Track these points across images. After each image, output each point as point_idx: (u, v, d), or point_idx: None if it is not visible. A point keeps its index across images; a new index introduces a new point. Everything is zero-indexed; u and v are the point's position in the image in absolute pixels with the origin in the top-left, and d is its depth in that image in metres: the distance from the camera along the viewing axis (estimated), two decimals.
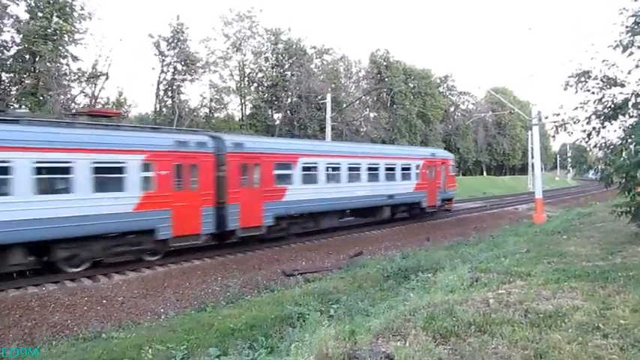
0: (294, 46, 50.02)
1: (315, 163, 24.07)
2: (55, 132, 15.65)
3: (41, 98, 31.08)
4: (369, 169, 27.33)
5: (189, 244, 18.97)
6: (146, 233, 17.63)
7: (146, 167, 17.38)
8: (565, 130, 16.08)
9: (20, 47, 31.66)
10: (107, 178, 16.36)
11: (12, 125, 14.89)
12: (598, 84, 14.95)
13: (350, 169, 26.02)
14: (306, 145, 26.89)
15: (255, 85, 50.16)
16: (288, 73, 49.95)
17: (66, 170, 15.39)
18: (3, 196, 14.20)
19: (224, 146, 20.29)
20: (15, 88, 32.59)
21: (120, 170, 16.65)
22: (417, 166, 31.01)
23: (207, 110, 46.07)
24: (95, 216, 15.89)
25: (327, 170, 24.77)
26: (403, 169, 29.87)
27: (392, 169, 29.00)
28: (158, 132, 20.32)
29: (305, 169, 23.46)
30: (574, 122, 15.68)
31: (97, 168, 15.93)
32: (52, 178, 15.52)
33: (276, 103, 50.05)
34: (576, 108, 15.48)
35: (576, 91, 15.27)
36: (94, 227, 16.02)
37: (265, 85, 49.88)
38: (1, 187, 14.25)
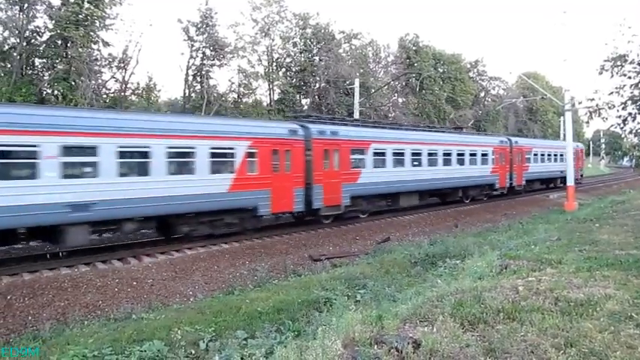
0: (322, 31, 49.68)
1: (537, 152, 43.48)
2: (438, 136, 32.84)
3: (73, 83, 31.52)
4: (554, 155, 46.59)
5: (499, 192, 37.38)
6: (490, 185, 36.19)
7: (492, 153, 35.91)
8: (599, 115, 15.64)
9: (52, 33, 32.08)
10: (483, 159, 34.81)
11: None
12: (635, 68, 14.47)
13: (548, 155, 45.79)
14: (533, 142, 47.20)
15: (284, 70, 50.11)
16: (317, 58, 49.68)
17: (463, 154, 33.00)
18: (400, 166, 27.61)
19: (512, 142, 39.28)
20: (48, 74, 33.10)
21: (486, 155, 35.19)
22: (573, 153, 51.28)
23: (235, 95, 46.20)
24: (474, 176, 33.74)
25: (542, 155, 44.43)
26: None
27: (562, 155, 44.93)
28: (492, 136, 43.64)
29: (534, 154, 42.68)
30: (609, 108, 15.23)
31: (482, 154, 34.82)
32: (450, 159, 31.60)
33: (304, 88, 49.94)
34: (611, 93, 15.02)
35: (612, 76, 14.81)
36: (471, 181, 33.74)
37: (293, 70, 49.79)
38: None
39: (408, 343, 6.13)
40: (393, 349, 6.09)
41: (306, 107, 49.53)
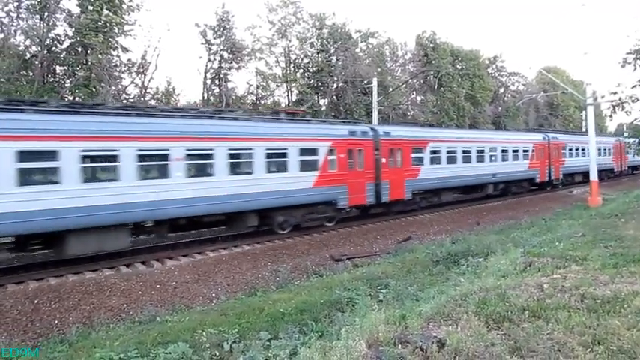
0: (339, 31, 49.57)
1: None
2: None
3: (94, 90, 31.93)
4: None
5: (617, 173, 55.00)
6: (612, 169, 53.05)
7: (612, 148, 52.73)
8: (622, 109, 15.48)
9: (73, 40, 32.51)
10: (609, 152, 52.04)
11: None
12: None
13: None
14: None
15: (301, 71, 50.12)
16: (334, 58, 49.60)
17: (606, 149, 51.39)
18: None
19: (620, 141, 51.21)
20: (69, 81, 33.56)
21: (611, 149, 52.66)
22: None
23: (253, 97, 46.39)
24: (608, 163, 51.13)
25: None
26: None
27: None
28: (612, 137, 57.26)
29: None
30: (632, 101, 15.08)
31: (609, 149, 52.05)
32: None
33: (322, 88, 49.89)
34: (635, 86, 14.86)
35: (635, 68, 14.68)
36: (605, 167, 49.85)
37: (311, 70, 49.79)
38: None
39: (433, 343, 6.10)
40: (417, 348, 6.06)
41: (324, 107, 49.49)
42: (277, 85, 47.07)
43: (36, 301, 12.91)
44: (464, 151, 30.86)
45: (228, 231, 20.68)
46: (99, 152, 15.58)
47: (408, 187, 26.18)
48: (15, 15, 30.91)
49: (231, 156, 18.60)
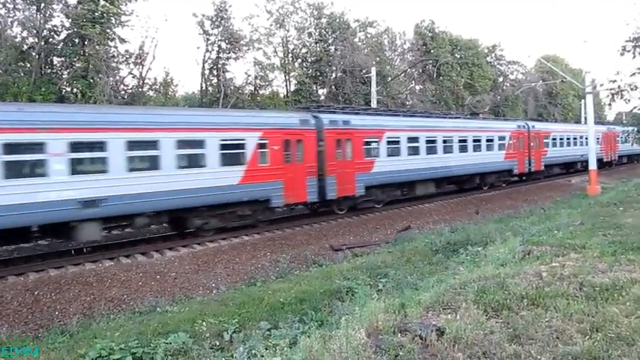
0: (337, 20, 49.32)
1: None
2: None
3: (91, 81, 31.77)
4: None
5: None
6: None
7: None
8: (622, 97, 15.44)
9: (70, 31, 32.31)
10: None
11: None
12: None
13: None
14: None
15: (299, 61, 49.94)
16: (332, 47, 49.38)
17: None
18: None
19: None
20: (66, 72, 33.38)
21: None
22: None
23: (252, 88, 46.21)
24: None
25: None
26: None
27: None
28: None
29: None
30: (631, 89, 15.02)
31: None
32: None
33: (320, 78, 49.72)
34: (634, 74, 14.81)
35: (634, 56, 14.62)
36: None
37: (309, 60, 49.60)
38: None
39: (432, 331, 6.12)
40: (416, 336, 6.09)
41: (322, 97, 49.35)
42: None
43: (36, 293, 12.92)
44: (567, 138, 44.53)
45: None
46: (430, 138, 27.78)
47: (542, 161, 39.16)
48: (11, 6, 30.74)
49: (472, 140, 31.32)
